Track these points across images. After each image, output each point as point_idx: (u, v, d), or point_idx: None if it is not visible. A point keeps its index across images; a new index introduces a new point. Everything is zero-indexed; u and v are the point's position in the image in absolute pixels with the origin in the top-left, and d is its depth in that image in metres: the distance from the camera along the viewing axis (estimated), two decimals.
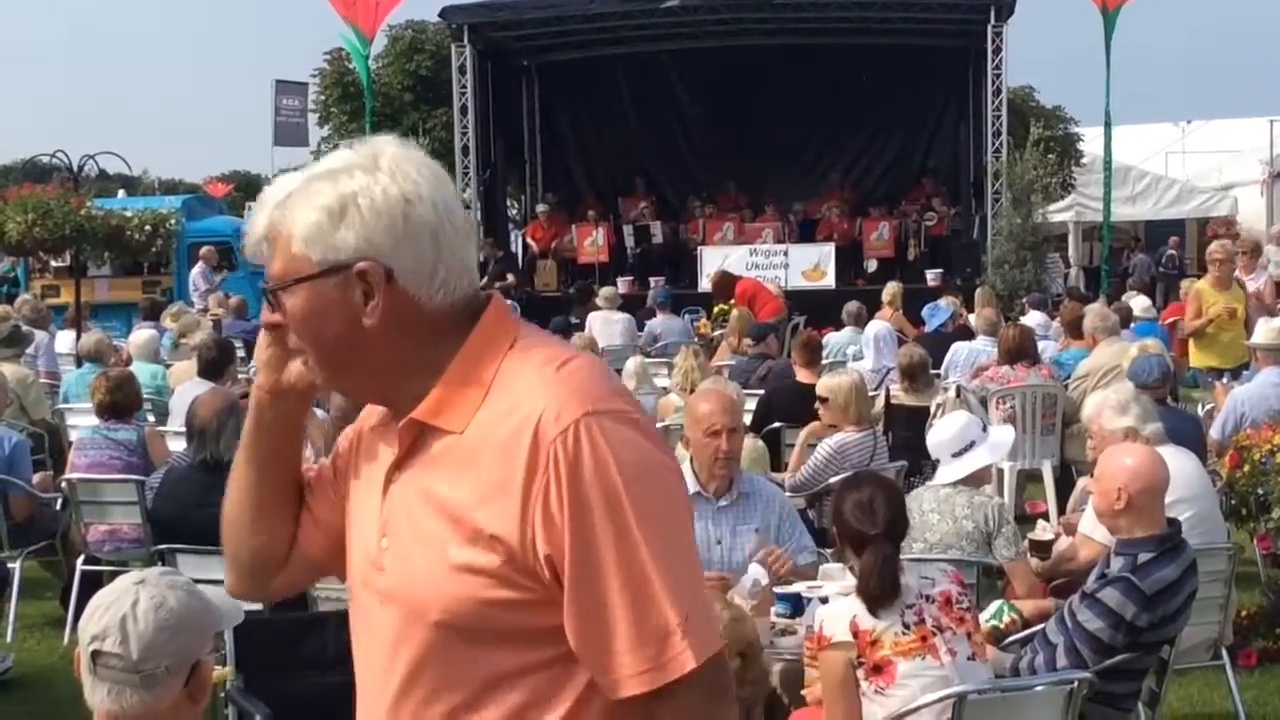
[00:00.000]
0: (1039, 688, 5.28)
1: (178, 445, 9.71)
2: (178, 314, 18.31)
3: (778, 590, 5.80)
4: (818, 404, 9.18)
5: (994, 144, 25.41)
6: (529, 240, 28.90)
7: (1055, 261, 27.45)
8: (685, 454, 6.62)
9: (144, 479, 8.94)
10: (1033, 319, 17.24)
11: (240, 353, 13.72)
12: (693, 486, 6.36)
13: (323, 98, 43.91)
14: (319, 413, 8.79)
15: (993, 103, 25.32)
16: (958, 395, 11.73)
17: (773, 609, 5.73)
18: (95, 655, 3.08)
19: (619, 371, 13.49)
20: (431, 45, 39.32)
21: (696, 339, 18.55)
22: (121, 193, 36.01)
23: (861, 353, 15.80)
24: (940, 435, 7.06)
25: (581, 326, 18.48)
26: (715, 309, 21.01)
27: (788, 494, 7.96)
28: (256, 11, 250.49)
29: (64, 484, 9.73)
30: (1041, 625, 5.88)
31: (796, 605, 5.74)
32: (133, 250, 18.44)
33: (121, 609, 3.09)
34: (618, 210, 29.36)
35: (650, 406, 12.81)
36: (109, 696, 3.08)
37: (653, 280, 25.60)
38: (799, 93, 28.33)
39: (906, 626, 4.89)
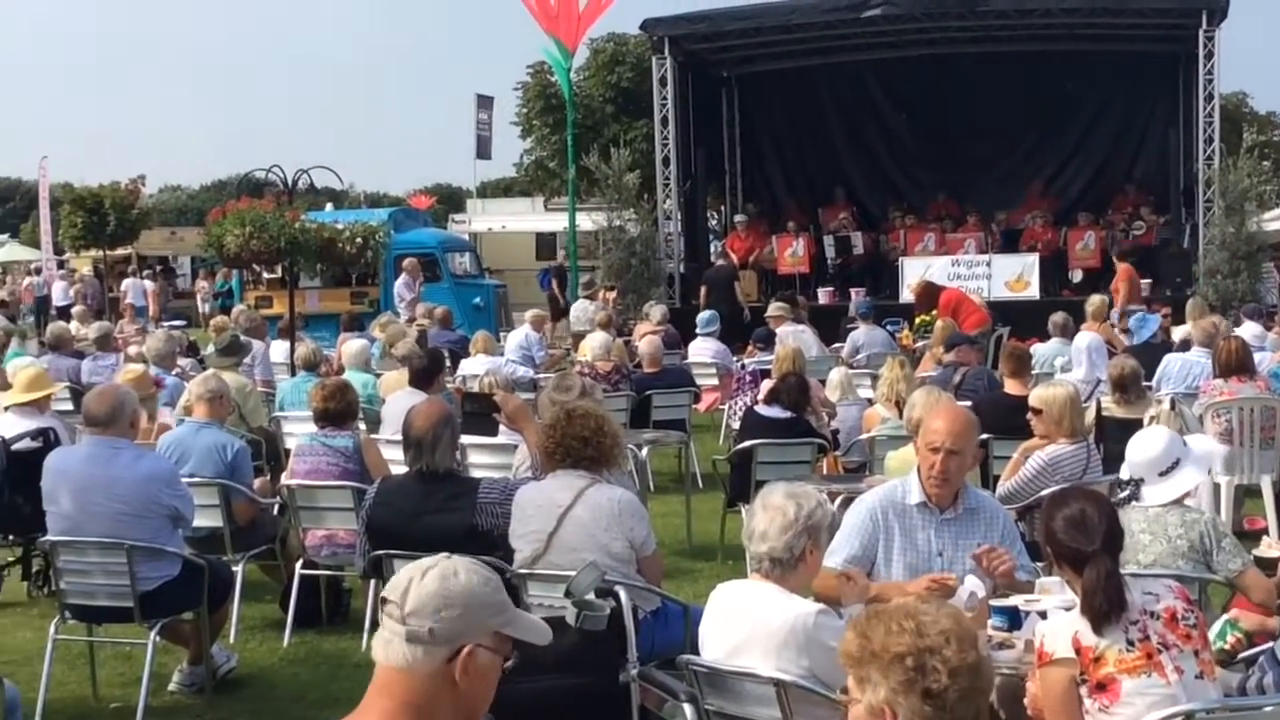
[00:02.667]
0: (1268, 708, 5.14)
1: (390, 453, 9.93)
2: (386, 324, 18.65)
3: (994, 603, 5.73)
4: (1030, 416, 9.03)
5: (1205, 151, 24.80)
6: (729, 251, 28.94)
7: (1270, 271, 26.64)
8: (915, 460, 6.57)
9: (360, 485, 9.15)
10: (1247, 330, 16.82)
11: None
12: (917, 496, 6.33)
13: (525, 110, 44.53)
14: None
15: (1204, 109, 24.70)
16: (1172, 408, 11.46)
17: (989, 622, 5.66)
18: (383, 601, 3.25)
19: (821, 383, 13.45)
20: (632, 57, 39.73)
21: (898, 350, 18.42)
22: (329, 206, 36.77)
23: (1069, 364, 15.56)
24: (1145, 454, 6.81)
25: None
26: (917, 320, 20.83)
27: None
28: (459, 26, 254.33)
29: (283, 489, 9.99)
30: (1270, 644, 5.73)
31: (1014, 618, 5.67)
32: (343, 262, 18.84)
33: (418, 568, 3.25)
34: (818, 221, 29.28)
35: (854, 417, 12.76)
36: (381, 643, 3.22)
37: (853, 291, 25.49)
38: (1002, 100, 27.98)
39: (1131, 644, 4.80)
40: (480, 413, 8.82)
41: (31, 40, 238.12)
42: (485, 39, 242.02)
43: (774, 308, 20.17)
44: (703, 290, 25.66)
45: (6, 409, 11.08)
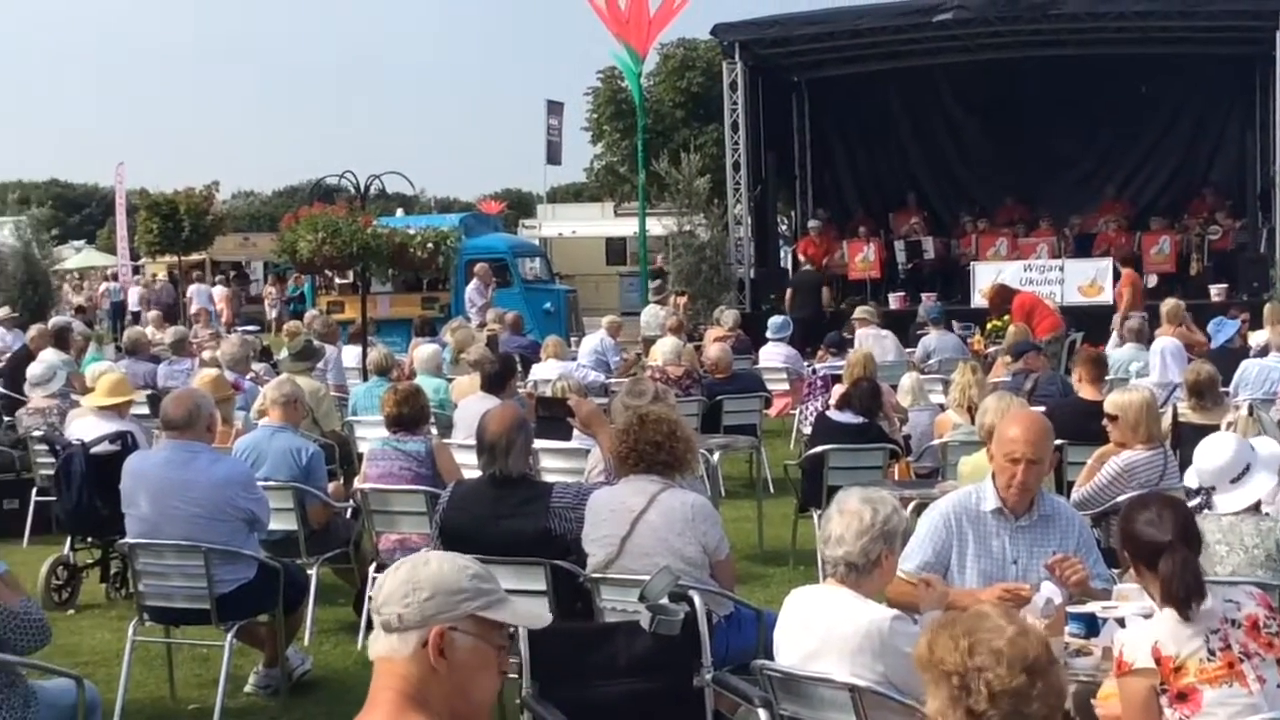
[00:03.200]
0: None
1: (462, 457, 9.97)
2: (457, 329, 18.72)
3: (1072, 610, 5.69)
4: (1106, 421, 8.96)
5: None
6: (800, 256, 28.89)
7: None
8: (988, 468, 6.53)
9: (432, 489, 9.18)
10: None
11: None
12: (992, 503, 6.29)
13: (595, 116, 44.60)
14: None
15: None
16: (1250, 413, 11.33)
17: (1066, 628, 5.62)
18: (371, 599, 3.39)
19: (894, 388, 13.41)
20: (702, 62, 39.73)
21: (970, 355, 18.32)
22: (400, 211, 36.98)
23: (1145, 369, 15.42)
24: (1214, 461, 6.67)
25: (853, 342, 18.42)
26: (989, 324, 20.71)
27: None
28: (528, 31, 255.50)
29: (356, 494, 10.05)
30: None
31: (1091, 625, 5.63)
32: (415, 267, 18.89)
33: (396, 565, 3.39)
34: (889, 226, 29.19)
35: (926, 423, 12.70)
36: (371, 640, 3.35)
37: (924, 296, 25.39)
38: (1074, 104, 27.78)
39: (1212, 653, 4.75)
40: (554, 417, 8.85)
41: (109, 48, 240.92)
42: (556, 45, 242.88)
43: (860, 311, 20.12)
44: (788, 294, 25.64)
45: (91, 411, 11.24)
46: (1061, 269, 25.03)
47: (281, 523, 9.30)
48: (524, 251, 32.86)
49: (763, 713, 5.33)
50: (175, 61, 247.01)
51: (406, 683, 3.25)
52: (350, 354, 18.68)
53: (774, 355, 18.76)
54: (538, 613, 3.53)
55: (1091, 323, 20.97)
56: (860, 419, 11.33)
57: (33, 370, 13.59)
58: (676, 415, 7.45)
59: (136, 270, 47.71)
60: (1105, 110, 27.95)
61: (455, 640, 3.27)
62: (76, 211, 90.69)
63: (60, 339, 17.71)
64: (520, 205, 79.41)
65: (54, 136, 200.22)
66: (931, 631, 3.59)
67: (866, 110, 30.67)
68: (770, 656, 5.61)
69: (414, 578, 3.28)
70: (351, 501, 10.39)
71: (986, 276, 24.48)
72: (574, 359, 18.73)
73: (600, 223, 51.61)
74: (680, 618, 5.26)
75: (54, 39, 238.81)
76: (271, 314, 42.95)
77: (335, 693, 8.65)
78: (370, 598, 3.35)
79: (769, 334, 19.37)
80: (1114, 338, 18.16)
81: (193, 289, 39.54)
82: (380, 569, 9.53)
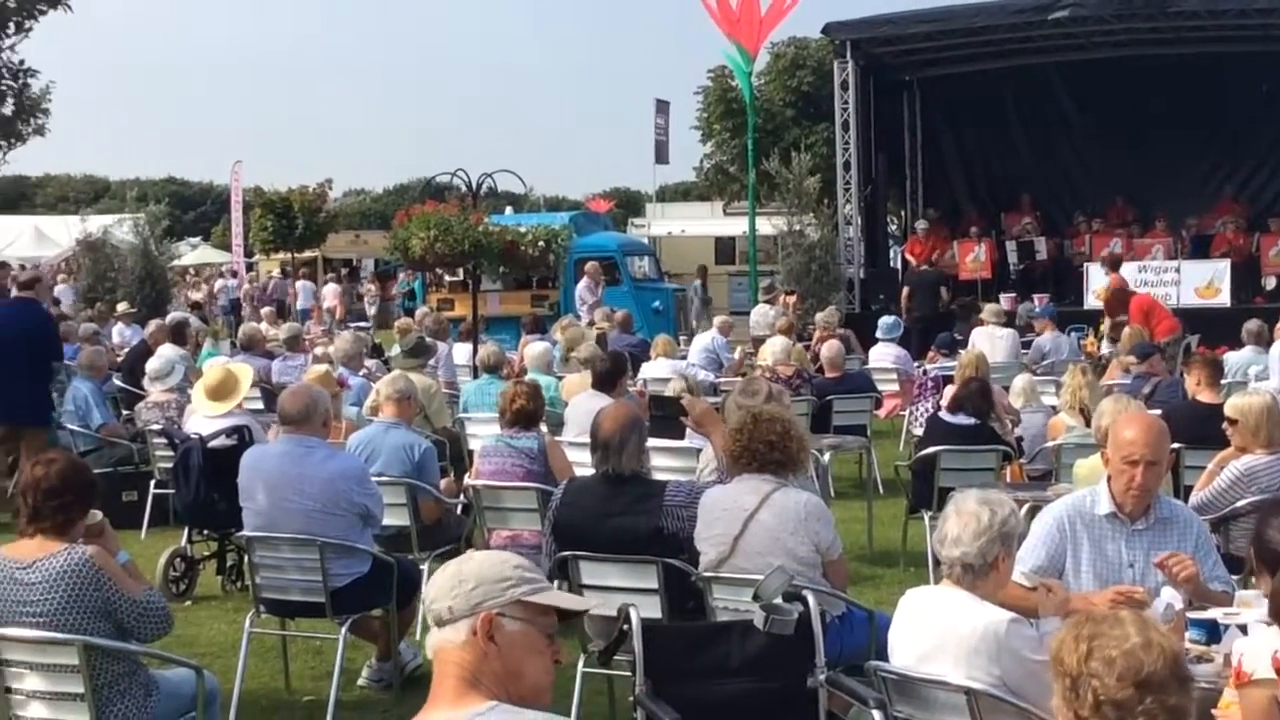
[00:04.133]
0: None
1: (572, 455, 10.00)
2: (567, 327, 18.79)
3: (1193, 615, 5.61)
4: (1225, 425, 8.81)
5: None
6: (908, 256, 28.72)
7: None
8: (1103, 471, 6.44)
9: (544, 486, 9.21)
10: None
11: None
12: (1107, 506, 6.21)
13: (705, 115, 44.57)
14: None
15: None
16: None
17: (1187, 635, 5.54)
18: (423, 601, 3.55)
19: (1006, 389, 13.28)
20: (813, 61, 39.59)
21: (1083, 357, 18.12)
22: (509, 209, 37.17)
23: (1264, 372, 15.17)
24: None
25: (965, 343, 18.29)
26: (1103, 326, 20.47)
27: None
28: (639, 31, 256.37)
29: (468, 490, 10.11)
30: None
31: (1212, 631, 5.54)
32: (526, 265, 18.98)
33: (444, 566, 3.57)
34: (1000, 226, 28.95)
35: (1039, 425, 12.57)
36: (429, 636, 3.51)
37: (1036, 297, 25.15)
38: (1192, 103, 27.42)
39: None
40: (668, 416, 8.86)
41: (225, 49, 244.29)
42: (665, 43, 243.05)
43: (989, 310, 19.96)
44: (905, 292, 25.49)
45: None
46: (1178, 270, 24.72)
47: (394, 518, 9.37)
48: (633, 250, 32.90)
49: (877, 714, 5.30)
50: (289, 61, 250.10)
51: (462, 669, 3.41)
52: (461, 351, 18.81)
53: (884, 355, 18.67)
54: (581, 599, 3.63)
55: (1206, 325, 20.66)
56: (973, 420, 11.24)
57: (151, 365, 13.80)
58: (790, 415, 7.44)
59: (250, 267, 48.36)
60: (1224, 109, 27.54)
61: (504, 625, 3.42)
62: (192, 209, 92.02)
63: (178, 334, 17.96)
64: (628, 204, 79.47)
65: (170, 135, 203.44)
66: (1065, 626, 3.61)
67: (979, 109, 30.42)
68: (883, 657, 5.58)
69: (459, 572, 3.46)
70: (463, 498, 10.47)
71: (1100, 277, 24.17)
72: (683, 358, 18.74)
73: (709, 222, 51.51)
74: (794, 617, 5.24)
75: (171, 41, 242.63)
76: (371, 311, 43.30)
77: None
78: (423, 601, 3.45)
79: (879, 334, 19.30)
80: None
81: (299, 285, 40.05)
82: None
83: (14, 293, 14.42)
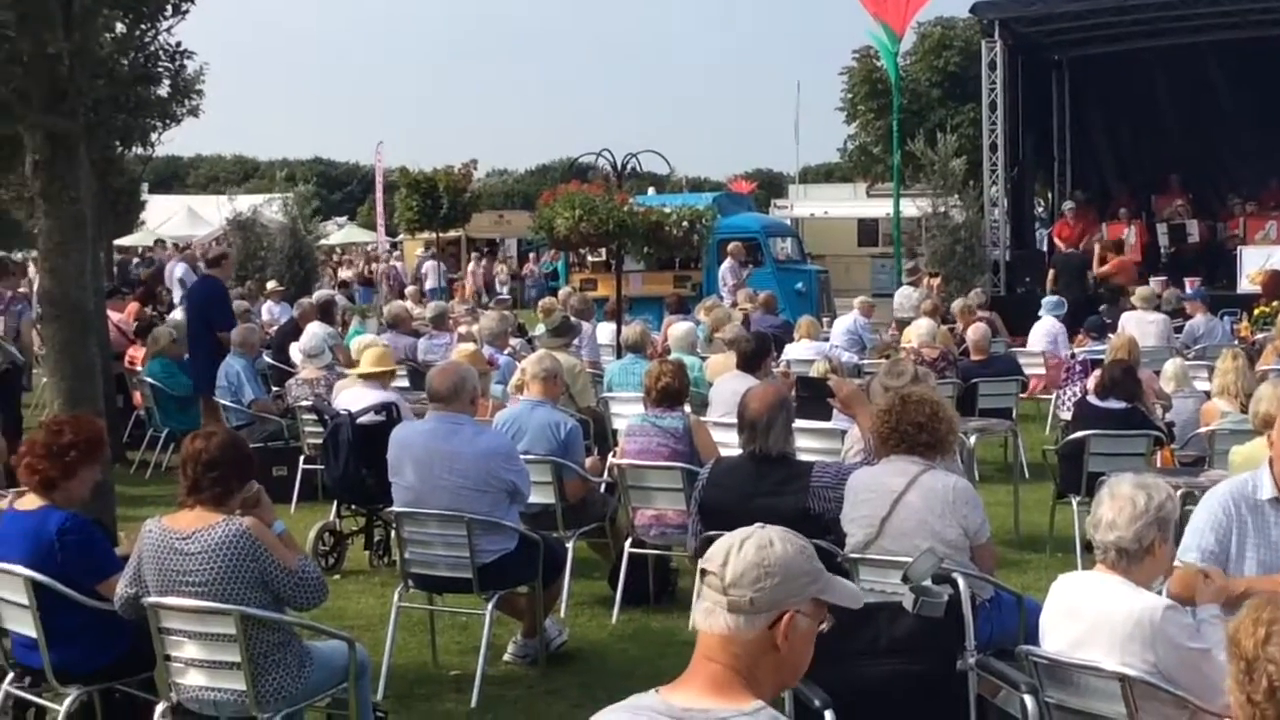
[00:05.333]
0: None
1: (717, 435, 10.01)
2: (710, 308, 18.78)
3: None
4: None
5: None
6: (1055, 239, 28.30)
7: None
8: (1260, 456, 6.31)
9: (689, 466, 9.24)
10: None
11: None
12: (1270, 491, 6.06)
13: (849, 95, 44.34)
14: None
15: None
16: None
17: None
18: (703, 573, 3.33)
19: (1157, 373, 13.06)
20: (960, 41, 39.19)
21: (1236, 341, 17.77)
22: (651, 190, 37.20)
23: None
24: None
25: (1114, 327, 18.01)
26: (1256, 311, 20.06)
27: None
28: (779, 10, 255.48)
29: (613, 468, 10.15)
30: None
31: None
32: (670, 245, 18.98)
33: (736, 539, 3.33)
34: (1150, 208, 28.39)
35: (1190, 410, 12.36)
36: (703, 613, 3.31)
37: (1187, 281, 24.64)
38: None
39: None
40: (814, 397, 8.83)
41: (368, 29, 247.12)
42: (808, 24, 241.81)
43: (1139, 293, 19.68)
44: (1050, 275, 25.17)
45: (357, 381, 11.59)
46: None
47: (540, 496, 9.44)
48: (776, 231, 32.81)
49: (1029, 699, 5.25)
50: (433, 42, 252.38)
51: (739, 661, 3.25)
52: (604, 331, 18.90)
53: (1043, 332, 18.62)
54: (856, 592, 3.54)
55: None
56: (1124, 405, 11.07)
57: (302, 342, 14.07)
58: (938, 396, 7.38)
59: (394, 247, 48.89)
60: None
61: (798, 624, 3.30)
62: (339, 189, 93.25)
63: (326, 313, 18.23)
64: (770, 185, 79.31)
65: (317, 116, 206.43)
66: (1245, 609, 3.54)
67: (1129, 89, 29.75)
68: (1032, 642, 5.53)
69: (764, 560, 3.26)
70: (607, 476, 10.52)
71: (1254, 261, 23.69)
72: (826, 339, 18.66)
73: (852, 203, 51.32)
74: (944, 600, 5.19)
75: (316, 24, 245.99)
76: (502, 291, 43.46)
77: (591, 664, 8.78)
78: (704, 570, 3.32)
79: (1043, 311, 19.23)
80: None
81: (428, 266, 40.40)
82: (637, 544, 9.65)
83: (202, 269, 15.42)
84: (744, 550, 3.29)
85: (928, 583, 5.23)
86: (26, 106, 8.66)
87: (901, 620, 5.51)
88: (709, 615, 3.29)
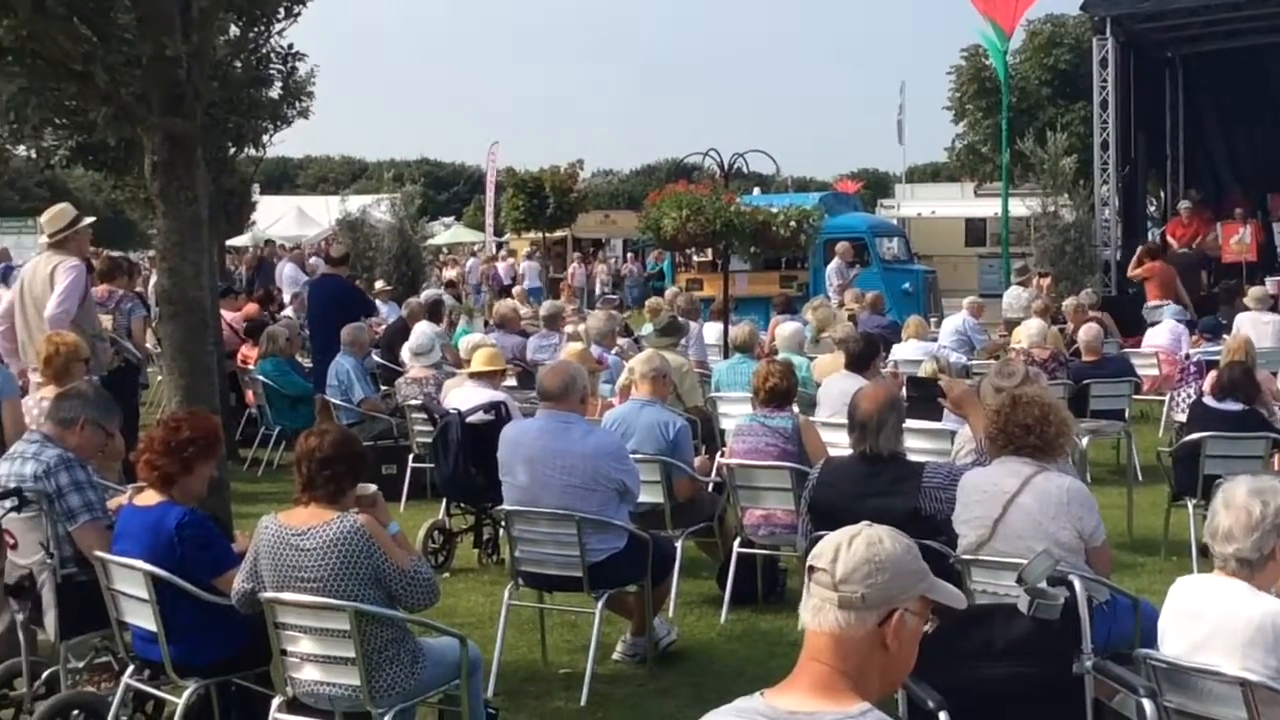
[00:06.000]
0: None
1: (826, 436, 9.96)
2: (817, 308, 18.72)
3: None
4: None
5: None
6: (1168, 238, 27.91)
7: None
8: None
9: (799, 466, 9.22)
10: None
11: None
12: None
13: (957, 94, 44.01)
14: None
15: None
16: None
17: None
18: (810, 570, 3.31)
19: (1274, 374, 12.87)
20: (1070, 39, 38.76)
21: None
22: (756, 190, 37.15)
23: None
24: None
25: (1229, 328, 17.75)
26: None
27: None
28: (884, 8, 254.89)
29: (721, 468, 10.14)
30: None
31: None
32: (777, 245, 18.98)
33: (844, 536, 3.31)
34: (1266, 207, 27.96)
35: None
36: (812, 610, 3.28)
37: None
38: None
39: None
40: (924, 397, 8.78)
41: (476, 32, 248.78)
42: (912, 22, 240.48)
43: (1253, 294, 19.37)
44: None
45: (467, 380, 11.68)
46: None
47: (649, 495, 9.44)
48: (883, 231, 32.64)
49: (1148, 703, 5.18)
50: (538, 44, 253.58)
51: (847, 661, 3.23)
52: (711, 330, 18.89)
53: (1167, 330, 18.45)
54: (958, 593, 3.50)
55: None
56: (1240, 406, 10.90)
57: (412, 341, 14.15)
58: (1051, 398, 7.30)
59: (500, 246, 49.18)
60: None
61: (905, 622, 3.28)
62: (445, 189, 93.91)
63: (434, 312, 18.36)
64: (876, 185, 78.92)
65: (423, 117, 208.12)
66: None
67: (1245, 87, 29.27)
68: (1148, 646, 5.46)
69: (874, 556, 3.25)
70: (715, 476, 10.51)
71: None
72: (934, 340, 18.54)
73: (960, 203, 50.93)
74: (1060, 602, 5.13)
75: (423, 28, 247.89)
76: (603, 291, 43.59)
77: (699, 664, 8.77)
78: (812, 566, 3.29)
79: (1165, 316, 19.09)
80: None
81: (524, 266, 40.64)
82: (745, 544, 9.64)
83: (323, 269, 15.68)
84: (854, 547, 3.27)
85: (1043, 585, 5.17)
86: (146, 109, 8.79)
87: (1017, 622, 5.46)
88: (818, 613, 3.26)
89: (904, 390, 10.10)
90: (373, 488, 6.36)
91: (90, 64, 8.47)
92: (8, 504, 7.03)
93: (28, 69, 9.15)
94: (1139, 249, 25.17)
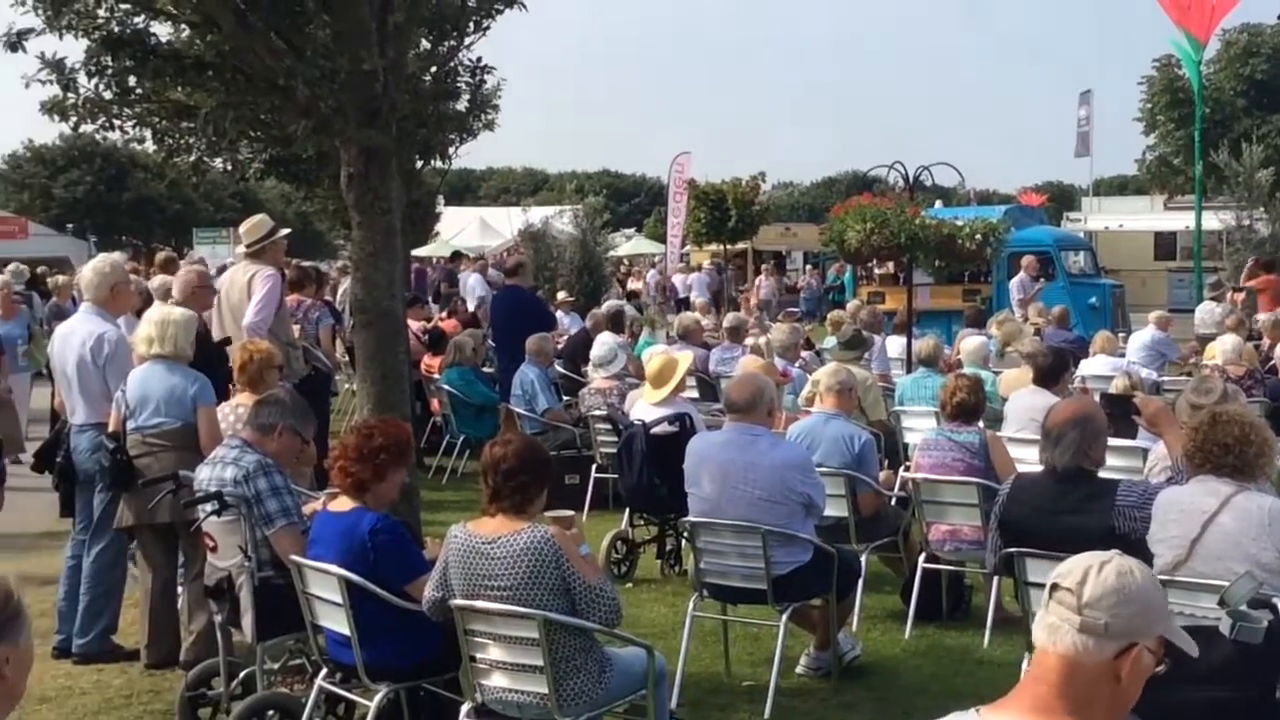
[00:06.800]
0: None
1: (1014, 451, 9.83)
2: (1003, 322, 18.48)
3: None
4: None
5: None
6: None
7: None
8: None
9: (986, 482, 9.11)
10: None
11: None
12: None
13: (1149, 105, 43.23)
14: None
15: None
16: None
17: None
18: (1054, 588, 3.26)
19: None
20: (1268, 48, 37.87)
21: None
22: (939, 203, 36.78)
23: None
24: None
25: None
26: None
27: None
28: (1070, 18, 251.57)
29: (907, 483, 10.06)
30: None
31: None
32: (962, 259, 18.82)
33: (1094, 560, 3.27)
34: None
35: None
36: (1047, 629, 3.23)
37: None
38: None
39: None
40: (1118, 414, 8.61)
41: (653, 43, 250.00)
42: (1101, 33, 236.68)
43: None
44: None
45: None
46: None
47: (834, 509, 9.40)
48: (1069, 245, 32.12)
49: None
50: (720, 57, 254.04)
51: (1074, 687, 3.18)
52: (894, 344, 18.75)
53: None
54: (1191, 640, 3.43)
55: None
56: None
57: (595, 352, 14.22)
58: (1252, 417, 7.10)
59: (682, 258, 49.29)
60: None
61: (1143, 658, 3.23)
62: (626, 201, 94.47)
63: (616, 322, 18.44)
64: (1060, 198, 77.75)
65: (606, 129, 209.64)
66: None
67: None
68: None
69: (1124, 587, 3.20)
70: (900, 490, 10.43)
71: None
72: (1122, 355, 18.20)
73: (1149, 217, 49.94)
74: (1264, 625, 5.01)
75: (606, 45, 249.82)
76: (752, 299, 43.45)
77: (884, 679, 8.71)
78: (1056, 585, 3.25)
79: None
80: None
81: (693, 278, 40.60)
82: (930, 559, 9.54)
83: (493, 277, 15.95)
84: (1104, 573, 3.22)
85: (1245, 607, 5.05)
86: (344, 122, 8.96)
87: (1219, 645, 5.33)
88: (1054, 632, 3.21)
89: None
90: (570, 513, 6.47)
91: (291, 78, 8.67)
92: (209, 508, 7.22)
93: (228, 84, 9.37)
94: (1250, 260, 24.51)
